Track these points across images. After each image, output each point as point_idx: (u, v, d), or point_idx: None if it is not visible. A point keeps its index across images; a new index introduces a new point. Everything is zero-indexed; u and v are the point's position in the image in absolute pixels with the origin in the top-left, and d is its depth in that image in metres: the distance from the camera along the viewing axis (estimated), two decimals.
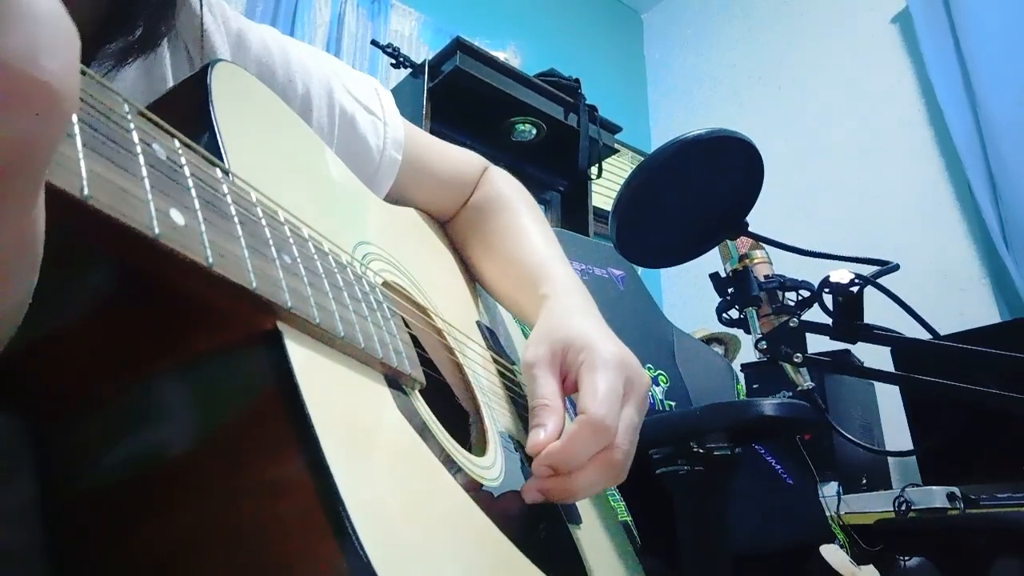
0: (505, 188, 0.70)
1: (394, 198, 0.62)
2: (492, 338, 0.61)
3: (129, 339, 0.26)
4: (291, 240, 0.30)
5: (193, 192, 0.24)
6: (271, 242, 0.28)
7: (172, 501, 0.25)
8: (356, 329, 0.32)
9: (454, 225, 0.68)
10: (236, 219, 0.26)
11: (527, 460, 0.47)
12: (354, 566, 0.23)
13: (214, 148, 0.30)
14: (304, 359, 0.27)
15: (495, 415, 0.50)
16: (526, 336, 0.68)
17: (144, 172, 0.22)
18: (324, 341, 0.30)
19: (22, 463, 0.27)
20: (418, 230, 0.61)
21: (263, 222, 0.28)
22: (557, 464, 0.42)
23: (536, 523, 0.44)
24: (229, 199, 0.27)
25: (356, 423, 0.29)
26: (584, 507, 0.52)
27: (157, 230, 0.21)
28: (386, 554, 0.24)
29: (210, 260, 0.23)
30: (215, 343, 0.26)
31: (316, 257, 0.32)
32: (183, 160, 0.25)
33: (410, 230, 0.59)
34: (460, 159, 0.70)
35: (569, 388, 0.48)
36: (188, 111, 0.32)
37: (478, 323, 0.60)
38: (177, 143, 0.25)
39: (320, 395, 0.26)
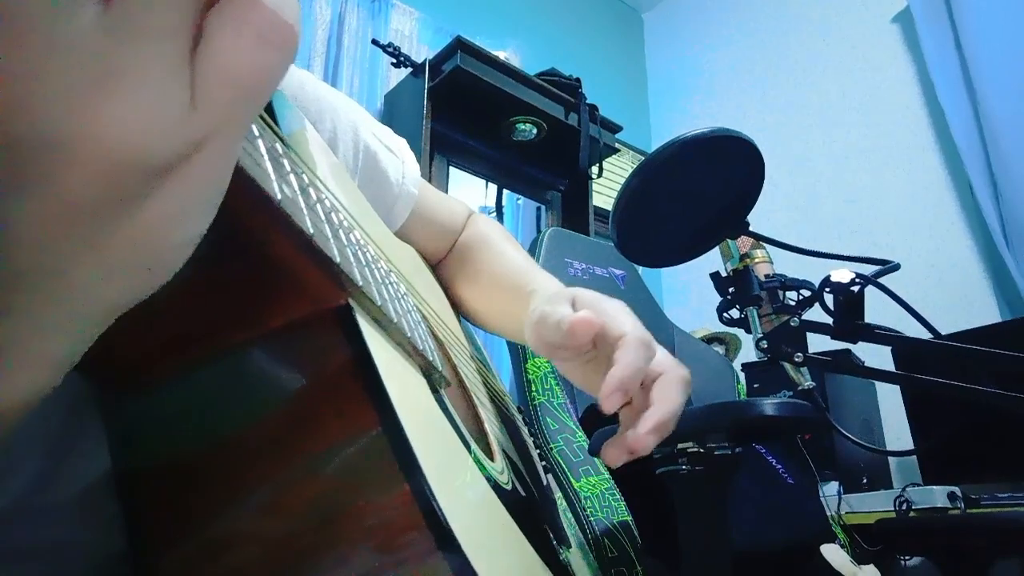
0: (486, 228, 0.74)
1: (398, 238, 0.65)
2: (486, 368, 0.64)
3: (219, 305, 0.28)
4: (351, 233, 0.33)
5: (292, 178, 0.27)
6: (341, 230, 0.31)
7: (251, 467, 0.26)
8: (402, 319, 0.34)
9: (442, 267, 0.72)
10: (318, 206, 0.29)
11: (518, 475, 0.48)
12: (437, 531, 0.24)
13: None
14: (371, 333, 0.29)
15: (495, 434, 0.52)
16: None
17: (264, 152, 0.25)
18: (380, 322, 0.32)
19: (92, 429, 0.28)
20: (421, 266, 0.65)
21: (332, 213, 0.31)
22: (626, 381, 0.40)
23: (538, 533, 0.45)
24: (311, 190, 0.30)
25: (413, 398, 0.31)
26: (568, 531, 0.54)
27: (279, 196, 0.24)
28: (461, 522, 0.25)
29: (311, 231, 0.26)
30: (297, 312, 0.28)
31: (369, 251, 0.35)
32: (280, 149, 0.28)
33: (415, 264, 0.63)
34: (453, 207, 0.74)
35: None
36: None
37: (472, 355, 0.63)
38: (279, 144, 0.28)
39: (385, 364, 0.28)
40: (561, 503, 0.61)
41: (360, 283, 0.29)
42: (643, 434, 0.40)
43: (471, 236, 0.73)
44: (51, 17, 0.13)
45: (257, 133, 0.25)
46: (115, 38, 0.14)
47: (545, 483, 0.63)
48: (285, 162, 0.27)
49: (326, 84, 0.63)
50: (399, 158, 0.66)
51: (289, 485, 0.26)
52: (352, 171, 0.60)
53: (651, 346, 0.42)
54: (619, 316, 0.44)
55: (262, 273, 0.27)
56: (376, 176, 0.62)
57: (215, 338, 0.27)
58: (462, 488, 0.31)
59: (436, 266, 0.72)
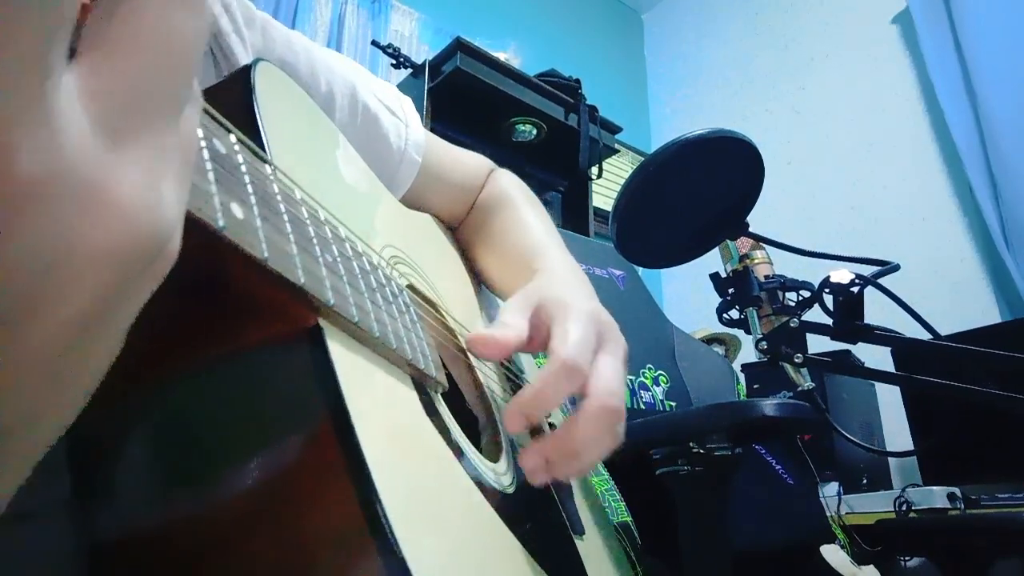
0: (507, 186, 0.70)
1: (409, 203, 0.62)
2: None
3: (174, 332, 0.26)
4: (331, 240, 0.31)
5: (249, 188, 0.25)
6: (315, 240, 0.29)
7: (209, 490, 0.26)
8: (388, 330, 0.33)
9: (462, 229, 0.68)
10: (285, 216, 0.27)
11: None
12: (387, 559, 0.23)
13: (258, 145, 0.30)
14: (343, 356, 0.28)
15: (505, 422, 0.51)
16: None
17: (209, 166, 0.22)
18: (359, 339, 0.31)
19: (54, 455, 0.28)
20: (435, 236, 0.62)
21: (307, 221, 0.29)
22: (528, 407, 0.38)
23: (544, 530, 0.44)
24: (279, 197, 0.27)
25: (390, 421, 0.30)
26: (585, 518, 0.53)
27: (222, 223, 0.22)
28: (415, 547, 0.24)
29: (266, 254, 0.24)
30: (260, 338, 0.27)
31: (352, 257, 0.33)
32: (240, 158, 0.25)
33: (428, 235, 0.59)
34: (471, 164, 0.70)
35: (541, 344, 0.45)
36: (232, 107, 0.32)
37: None
38: (233, 138, 0.26)
39: (358, 391, 0.27)
40: (583, 487, 0.59)
41: (332, 302, 0.27)
42: (527, 464, 0.39)
43: (490, 195, 0.68)
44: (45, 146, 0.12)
45: (207, 156, 0.23)
46: (111, 140, 0.14)
47: None
48: (244, 173, 0.25)
49: (319, 45, 0.59)
50: (402, 120, 0.62)
51: (246, 511, 0.25)
52: (349, 136, 0.56)
53: (577, 373, 0.40)
54: (567, 330, 0.42)
55: (220, 301, 0.26)
56: (377, 141, 0.59)
57: (184, 361, 0.26)
58: (436, 514, 0.30)
59: (456, 229, 0.68)
